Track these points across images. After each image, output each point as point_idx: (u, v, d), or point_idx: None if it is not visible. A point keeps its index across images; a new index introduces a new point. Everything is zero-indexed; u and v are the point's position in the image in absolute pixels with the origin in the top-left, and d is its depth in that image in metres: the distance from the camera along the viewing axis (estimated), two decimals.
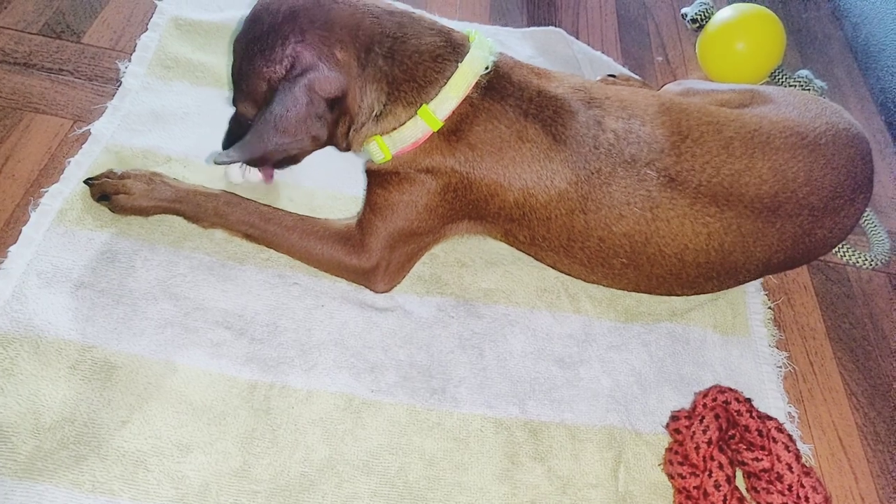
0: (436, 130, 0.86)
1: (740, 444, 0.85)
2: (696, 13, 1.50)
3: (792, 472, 0.81)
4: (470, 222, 0.94)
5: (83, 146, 1.04)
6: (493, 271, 1.02)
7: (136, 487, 0.77)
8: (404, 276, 0.97)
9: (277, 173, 1.05)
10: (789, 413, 0.97)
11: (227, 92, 1.16)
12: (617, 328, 1.00)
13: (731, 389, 0.89)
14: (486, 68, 0.87)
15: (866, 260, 1.15)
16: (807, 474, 0.82)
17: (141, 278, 0.92)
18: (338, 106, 0.84)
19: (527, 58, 1.24)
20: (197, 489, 0.78)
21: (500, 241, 0.99)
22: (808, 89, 1.36)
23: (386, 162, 0.90)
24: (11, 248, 0.92)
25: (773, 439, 0.83)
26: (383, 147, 0.88)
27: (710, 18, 1.43)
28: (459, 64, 0.85)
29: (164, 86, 1.15)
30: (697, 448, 0.83)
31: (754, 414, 0.86)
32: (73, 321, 0.87)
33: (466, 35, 0.90)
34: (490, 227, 0.95)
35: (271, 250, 0.98)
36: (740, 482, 0.86)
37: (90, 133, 1.06)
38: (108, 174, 0.98)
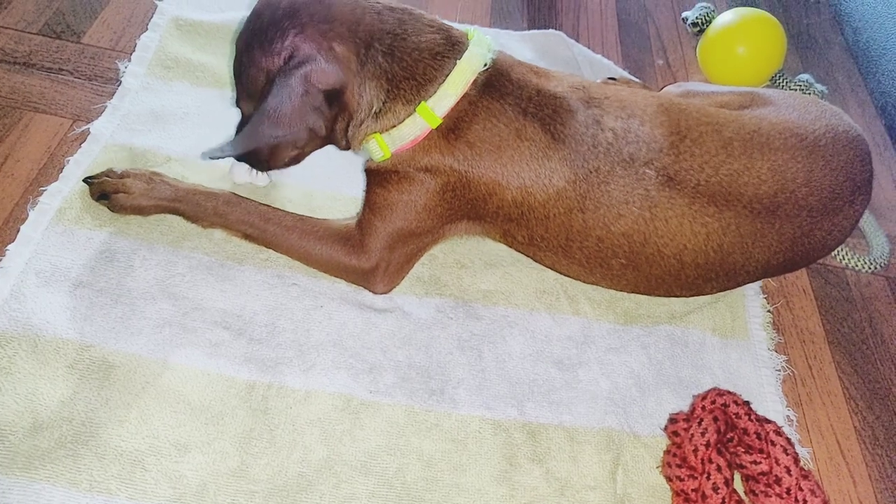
0: (434, 128, 0.86)
1: (739, 447, 0.85)
2: (697, 17, 1.50)
3: (790, 476, 0.81)
4: (469, 222, 0.94)
5: (82, 145, 1.04)
6: (492, 273, 1.02)
7: (133, 486, 0.77)
8: (403, 278, 0.97)
9: (276, 173, 1.05)
10: (788, 416, 0.97)
11: (227, 92, 1.16)
12: (616, 330, 1.00)
13: (729, 392, 0.89)
14: (485, 65, 0.87)
15: (865, 263, 1.15)
16: (805, 478, 0.82)
17: (139, 278, 0.92)
18: (336, 101, 0.84)
19: (527, 60, 1.24)
20: (194, 489, 0.78)
21: (499, 241, 0.99)
22: (809, 93, 1.36)
23: (385, 160, 0.90)
24: (10, 247, 0.92)
25: (772, 442, 0.83)
26: (382, 145, 0.88)
27: (710, 22, 1.43)
28: (458, 61, 0.85)
29: (164, 86, 1.15)
30: (696, 450, 0.82)
31: (753, 417, 0.85)
32: (72, 320, 0.87)
33: (465, 33, 0.90)
34: (489, 227, 0.95)
35: (270, 251, 0.98)
36: (738, 485, 0.85)
37: (89, 132, 1.06)
38: (108, 173, 0.98)
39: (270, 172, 1.04)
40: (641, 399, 0.94)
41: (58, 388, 0.82)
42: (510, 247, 1.00)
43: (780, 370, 1.01)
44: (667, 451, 0.87)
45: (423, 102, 0.85)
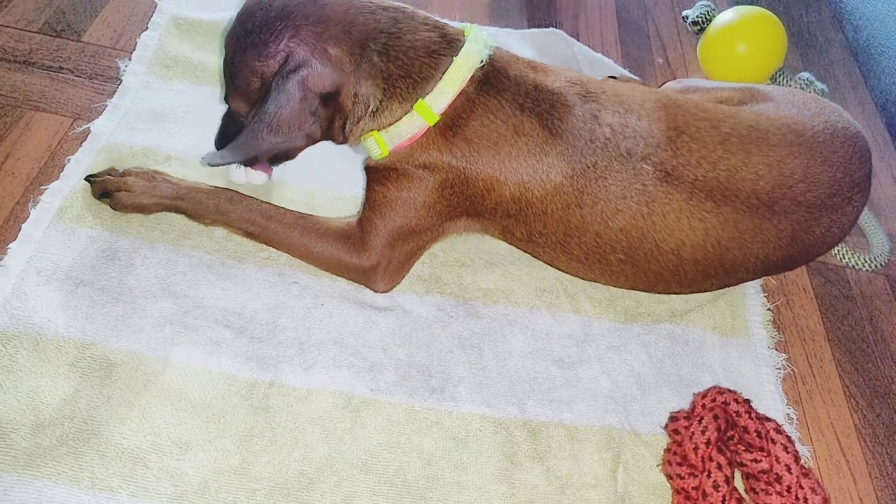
0: (432, 125, 0.86)
1: (739, 445, 0.85)
2: (697, 15, 1.50)
3: (791, 474, 0.81)
4: (468, 219, 0.94)
5: (83, 144, 1.04)
6: (492, 271, 1.03)
7: (134, 484, 0.77)
8: (404, 276, 0.97)
9: (275, 171, 1.05)
10: (788, 414, 0.97)
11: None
12: (616, 329, 1.00)
13: (730, 390, 0.89)
14: (482, 62, 0.87)
15: (866, 262, 1.15)
16: (805, 475, 0.82)
17: (140, 276, 0.92)
18: (332, 102, 0.84)
19: None
20: (196, 487, 0.78)
21: (498, 238, 0.99)
22: (809, 91, 1.36)
23: (383, 158, 0.90)
24: (11, 246, 0.92)
25: (772, 440, 0.83)
26: (380, 142, 0.88)
27: (711, 21, 1.44)
28: (454, 58, 0.85)
29: (164, 85, 1.15)
30: (696, 449, 0.83)
31: (753, 415, 0.86)
32: (73, 318, 0.87)
33: (461, 29, 0.90)
34: (487, 224, 0.95)
35: (271, 249, 0.98)
36: (739, 483, 0.86)
37: (90, 131, 1.06)
38: (110, 171, 0.98)
39: (270, 171, 1.04)
40: (642, 397, 0.94)
41: (59, 386, 0.82)
42: (509, 243, 1.00)
43: (780, 368, 1.01)
44: (667, 450, 0.88)
45: (420, 100, 0.85)
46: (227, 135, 0.92)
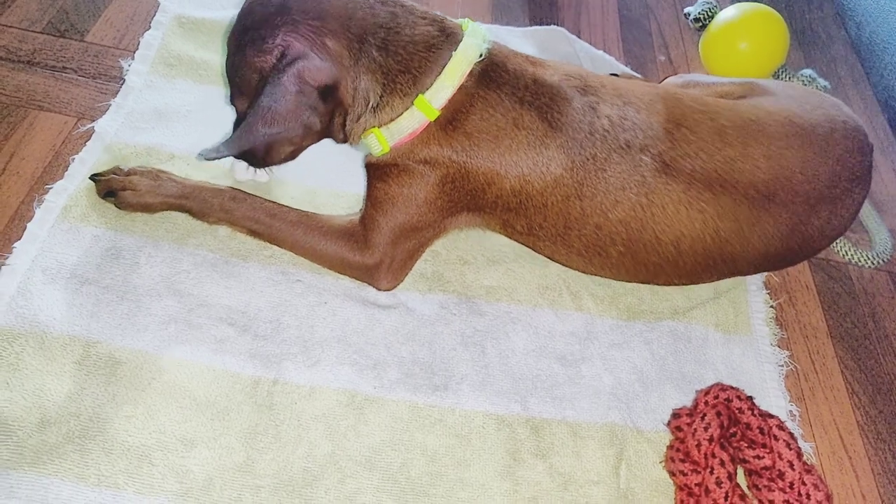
0: (432, 120, 0.86)
1: (741, 442, 0.85)
2: (699, 12, 1.50)
3: (793, 470, 0.81)
4: (469, 214, 0.95)
5: (87, 143, 1.04)
6: (495, 269, 1.03)
7: (140, 481, 0.77)
8: (407, 274, 0.98)
9: (277, 170, 1.05)
10: (790, 411, 0.97)
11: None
12: (619, 326, 1.00)
13: (732, 387, 0.89)
14: (481, 56, 0.87)
15: (868, 258, 1.15)
16: (808, 472, 0.82)
17: (145, 275, 0.93)
18: (331, 97, 0.84)
19: None
20: (201, 483, 0.78)
21: (499, 232, 0.99)
22: (812, 88, 1.36)
23: (384, 154, 0.90)
24: (16, 245, 0.92)
25: (775, 437, 0.83)
26: (381, 139, 0.88)
27: (713, 18, 1.43)
28: (453, 52, 0.85)
29: (168, 84, 1.15)
30: (699, 445, 0.83)
31: (756, 412, 0.86)
32: (78, 317, 0.87)
33: (460, 24, 0.91)
34: (488, 218, 0.95)
35: (275, 247, 0.98)
36: (741, 480, 0.86)
37: (94, 130, 1.06)
38: (115, 170, 0.98)
39: (270, 168, 1.04)
40: (644, 394, 0.94)
41: (65, 383, 0.82)
42: (510, 237, 1.00)
43: (782, 365, 1.01)
44: (670, 446, 0.88)
45: (420, 95, 0.85)
46: None
